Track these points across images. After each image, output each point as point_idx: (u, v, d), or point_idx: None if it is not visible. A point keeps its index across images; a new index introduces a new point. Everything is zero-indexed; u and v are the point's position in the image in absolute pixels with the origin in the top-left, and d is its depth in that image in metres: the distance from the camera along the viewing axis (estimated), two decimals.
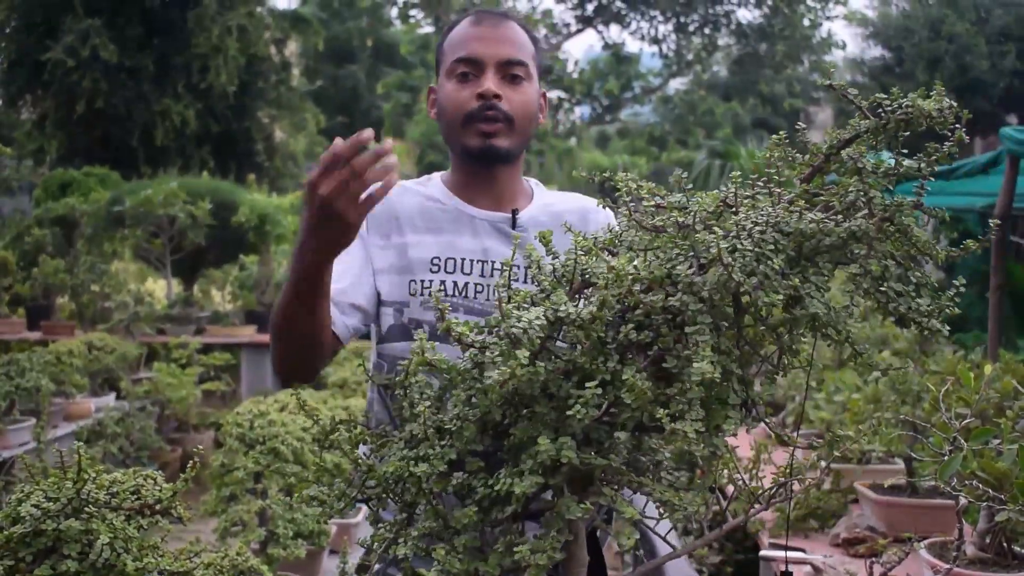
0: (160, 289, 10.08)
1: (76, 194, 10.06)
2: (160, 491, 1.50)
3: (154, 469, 1.59)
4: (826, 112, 24.45)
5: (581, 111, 26.19)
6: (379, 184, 1.42)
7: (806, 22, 24.61)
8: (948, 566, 1.93)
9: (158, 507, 1.49)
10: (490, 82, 1.84)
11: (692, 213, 1.20)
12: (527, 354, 1.12)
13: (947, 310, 1.17)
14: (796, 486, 1.42)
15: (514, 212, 1.90)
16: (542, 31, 24.92)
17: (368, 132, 1.40)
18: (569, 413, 1.13)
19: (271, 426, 3.54)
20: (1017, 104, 18.84)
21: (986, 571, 2.02)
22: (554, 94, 23.99)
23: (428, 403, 1.27)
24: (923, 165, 1.19)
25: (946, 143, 1.18)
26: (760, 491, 1.38)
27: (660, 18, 25.45)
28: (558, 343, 1.22)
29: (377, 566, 1.45)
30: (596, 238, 1.32)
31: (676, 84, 26.52)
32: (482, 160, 1.88)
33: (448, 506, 1.26)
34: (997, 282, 5.20)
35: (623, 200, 1.30)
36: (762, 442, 1.58)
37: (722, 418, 1.15)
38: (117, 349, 6.74)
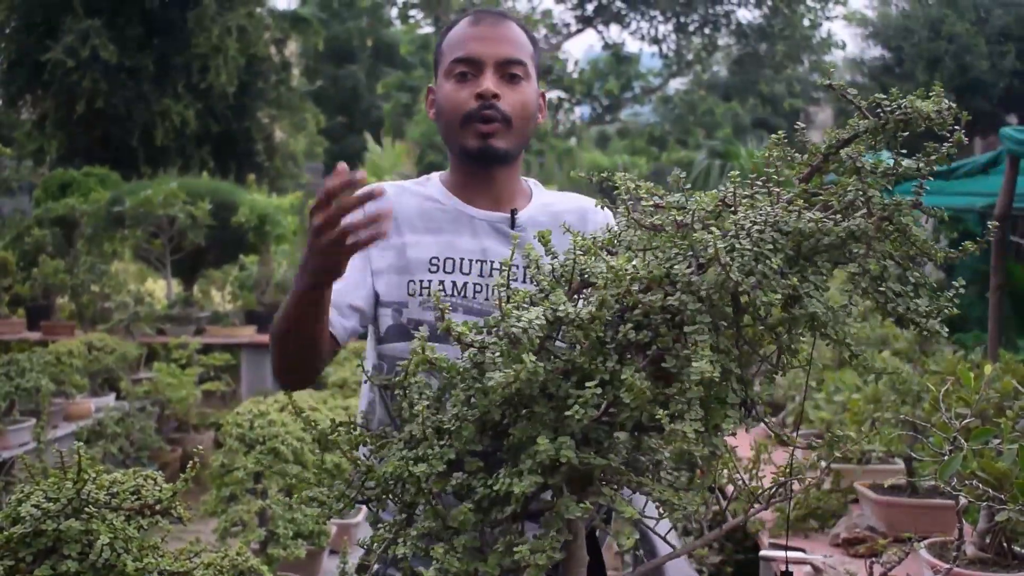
0: (160, 289, 10.08)
1: (76, 194, 10.06)
2: (160, 491, 1.50)
3: (154, 469, 1.59)
4: (826, 112, 24.46)
5: (581, 111, 26.20)
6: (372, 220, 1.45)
7: (806, 22, 24.61)
8: (948, 566, 1.93)
9: (158, 507, 1.49)
10: (489, 82, 1.84)
11: (691, 212, 1.20)
12: (534, 359, 1.12)
13: (946, 311, 1.17)
14: (796, 486, 1.42)
15: (513, 212, 1.90)
16: (542, 31, 24.93)
17: (360, 174, 1.44)
18: (568, 413, 1.13)
19: (271, 426, 3.54)
20: (1017, 104, 18.83)
21: (986, 571, 2.02)
22: (554, 94, 23.99)
23: (427, 403, 1.27)
24: (922, 165, 1.19)
25: (945, 144, 1.18)
26: (760, 491, 1.38)
27: (660, 18, 25.46)
28: (557, 343, 1.22)
29: (377, 566, 1.45)
30: (595, 238, 1.32)
31: (676, 84, 26.53)
32: (481, 160, 1.88)
33: (448, 506, 1.26)
34: (997, 282, 5.20)
35: (621, 200, 1.30)
36: (762, 442, 1.58)
37: (721, 417, 1.15)
38: (117, 349, 6.74)
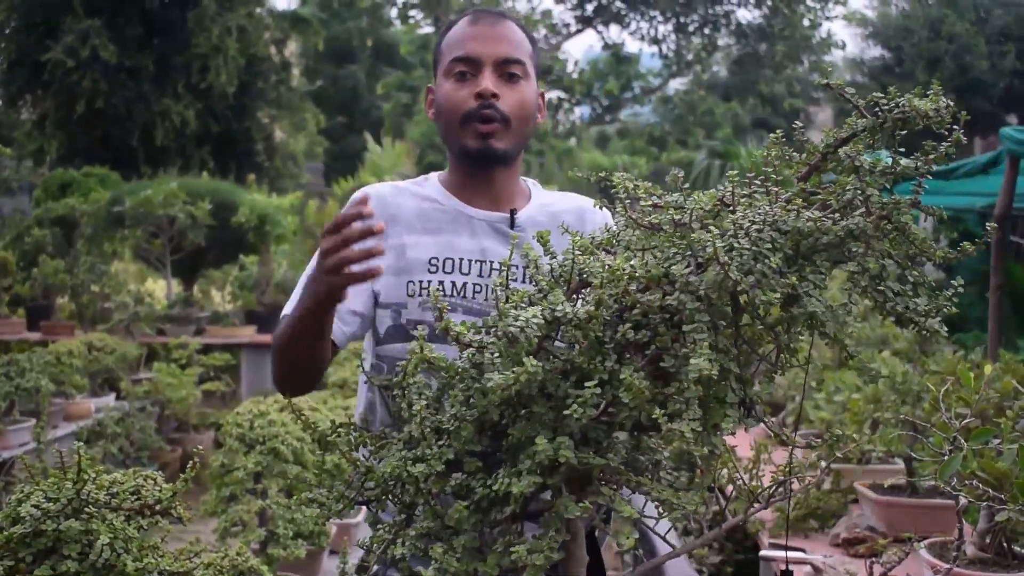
0: (160, 289, 10.08)
1: (76, 194, 10.06)
2: (160, 491, 1.50)
3: (154, 469, 1.59)
4: (826, 112, 24.46)
5: (581, 111, 26.20)
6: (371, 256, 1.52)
7: (806, 22, 24.62)
8: (948, 566, 1.93)
9: (158, 507, 1.49)
10: (488, 81, 1.84)
11: (689, 212, 1.20)
12: (535, 361, 1.12)
13: (945, 309, 1.17)
14: (795, 485, 1.42)
15: (512, 212, 1.90)
16: (542, 31, 24.93)
17: (368, 209, 1.52)
18: (567, 413, 1.13)
19: (271, 426, 3.54)
20: (1017, 104, 18.83)
21: (986, 571, 2.02)
22: (554, 94, 23.99)
23: (425, 403, 1.27)
24: (920, 164, 1.19)
25: (943, 143, 1.18)
26: (760, 490, 1.38)
27: (660, 18, 25.46)
28: (557, 343, 1.22)
29: (376, 567, 1.45)
30: (593, 237, 1.32)
31: (676, 84, 26.52)
32: (480, 160, 1.88)
33: (447, 507, 1.26)
34: (997, 282, 5.20)
35: (619, 199, 1.30)
36: (762, 442, 1.59)
37: (720, 417, 1.15)
38: (117, 349, 6.74)
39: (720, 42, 25.67)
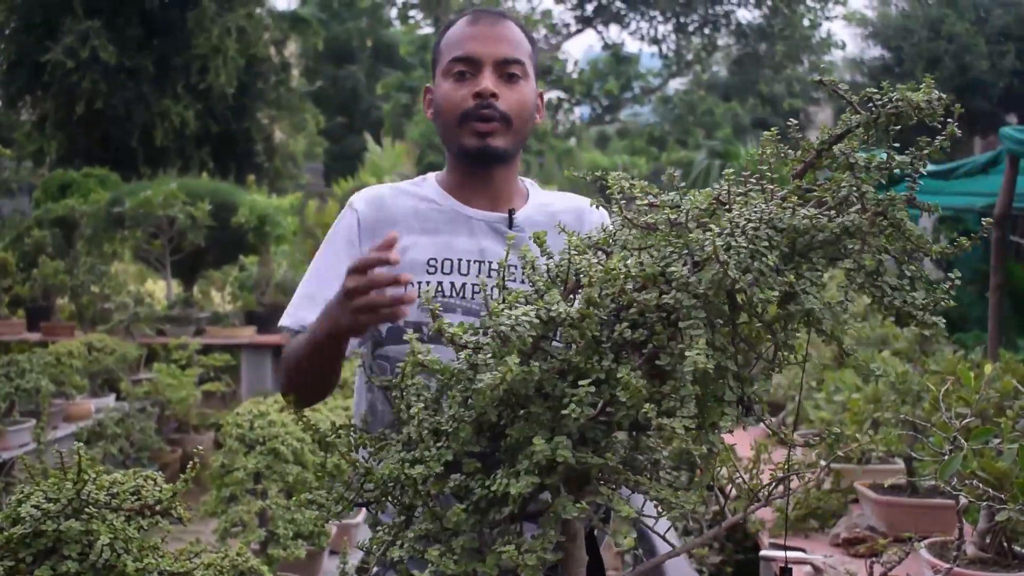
0: (160, 290, 10.08)
1: (76, 195, 10.06)
2: (160, 492, 1.50)
3: (154, 470, 1.59)
4: (826, 112, 24.45)
5: (581, 111, 26.20)
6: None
7: (806, 22, 24.62)
8: (948, 566, 1.93)
9: (158, 508, 1.49)
10: (487, 81, 1.84)
11: (685, 211, 1.20)
12: (517, 360, 1.12)
13: (942, 303, 1.17)
14: (795, 483, 1.42)
15: (510, 212, 1.90)
16: (542, 31, 24.94)
17: (395, 255, 1.56)
18: (564, 413, 1.13)
19: (271, 427, 3.54)
20: (1017, 104, 18.83)
21: (986, 571, 2.02)
22: (554, 94, 24.00)
23: (423, 405, 1.27)
24: (915, 159, 1.19)
25: (938, 137, 1.18)
26: (759, 487, 1.38)
27: (660, 18, 25.47)
28: (556, 343, 1.22)
29: (376, 569, 1.45)
30: (590, 237, 1.32)
31: (676, 84, 26.52)
32: (478, 160, 1.88)
33: (447, 508, 1.26)
34: (997, 282, 5.20)
35: (614, 199, 1.30)
36: (762, 442, 1.59)
37: (718, 415, 1.15)
38: (117, 350, 6.74)
39: (720, 42, 25.67)
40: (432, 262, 1.85)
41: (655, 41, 25.60)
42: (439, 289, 1.83)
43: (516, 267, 1.81)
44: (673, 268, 1.15)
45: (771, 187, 1.24)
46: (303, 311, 1.88)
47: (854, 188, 1.17)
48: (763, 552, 2.78)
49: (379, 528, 1.34)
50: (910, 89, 1.19)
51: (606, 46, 25.66)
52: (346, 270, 1.59)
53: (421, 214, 1.90)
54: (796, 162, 1.26)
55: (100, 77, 14.06)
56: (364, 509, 1.39)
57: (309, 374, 1.79)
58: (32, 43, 14.43)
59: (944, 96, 1.17)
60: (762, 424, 1.25)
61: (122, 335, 7.64)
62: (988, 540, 2.06)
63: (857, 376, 3.76)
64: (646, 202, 1.27)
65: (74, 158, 14.29)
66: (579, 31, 26.09)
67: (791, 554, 2.41)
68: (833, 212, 1.18)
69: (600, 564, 1.86)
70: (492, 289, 1.65)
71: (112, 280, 8.63)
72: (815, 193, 1.22)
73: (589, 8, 25.53)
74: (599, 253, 1.28)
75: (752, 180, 1.26)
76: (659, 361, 1.15)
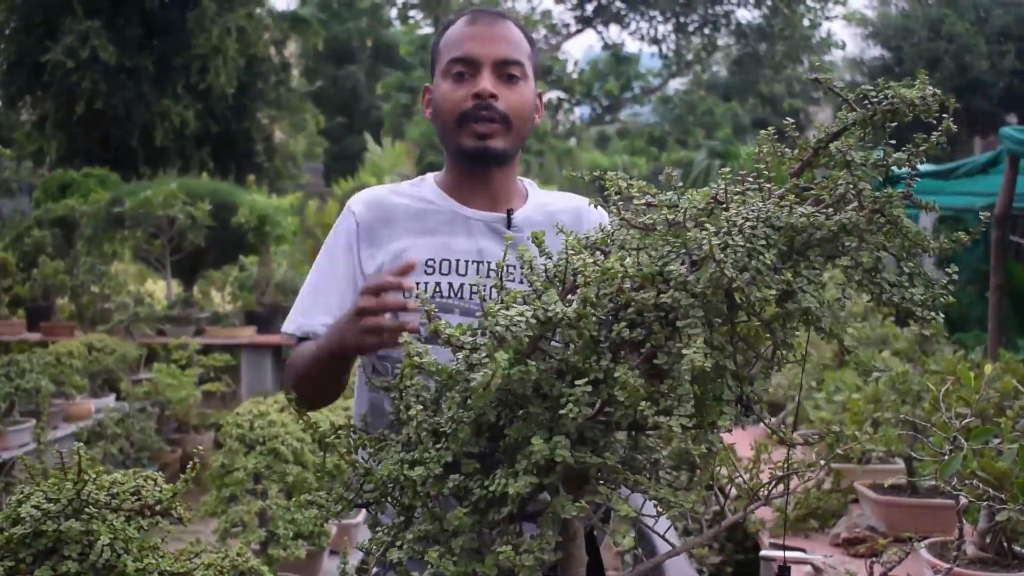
0: (160, 290, 10.08)
1: (76, 195, 10.06)
2: (160, 492, 1.50)
3: (154, 470, 1.59)
4: (826, 112, 24.45)
5: (581, 111, 26.21)
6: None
7: (806, 22, 24.63)
8: (948, 566, 1.93)
9: (158, 508, 1.49)
10: (486, 82, 1.84)
11: (682, 211, 1.20)
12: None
13: (942, 299, 1.17)
14: (795, 482, 1.42)
15: (509, 212, 1.90)
16: (541, 31, 24.94)
17: (408, 283, 1.61)
18: (562, 412, 1.13)
19: (271, 427, 3.54)
20: (1017, 104, 18.83)
21: (986, 571, 2.02)
22: (554, 94, 24.00)
23: (421, 407, 1.27)
24: (911, 156, 1.19)
25: (934, 133, 1.18)
26: (758, 486, 1.38)
27: (660, 18, 25.48)
28: (555, 343, 1.22)
29: (375, 570, 1.45)
30: (588, 237, 1.32)
31: (676, 84, 26.53)
32: (477, 161, 1.88)
33: (446, 509, 1.26)
34: (997, 282, 5.20)
35: (611, 199, 1.30)
36: (762, 442, 1.59)
37: (716, 414, 1.15)
38: (117, 350, 6.74)
39: (720, 42, 25.68)
40: (430, 263, 1.85)
41: (655, 41, 25.61)
42: (437, 290, 1.83)
43: (515, 267, 1.81)
44: (671, 267, 1.15)
45: (768, 186, 1.24)
46: (304, 317, 1.90)
47: (851, 186, 1.17)
48: (763, 552, 2.78)
49: (379, 529, 1.33)
50: (905, 86, 1.19)
51: (606, 46, 25.66)
52: (361, 288, 1.63)
53: (419, 215, 1.90)
54: (793, 161, 1.26)
55: (100, 77, 14.06)
56: (364, 510, 1.39)
57: (316, 384, 1.82)
58: (32, 43, 14.43)
59: (938, 92, 1.17)
60: (762, 424, 1.25)
61: (122, 335, 7.64)
62: (988, 540, 2.06)
63: (857, 376, 3.76)
64: (644, 202, 1.27)
65: (74, 158, 14.29)
66: (579, 31, 26.09)
67: (791, 554, 2.41)
68: (831, 210, 1.18)
69: (600, 564, 1.86)
70: (490, 289, 1.66)
71: (112, 280, 8.62)
72: (812, 191, 1.22)
73: (589, 8, 25.53)
74: (597, 253, 1.28)
75: (749, 179, 1.26)
76: (657, 360, 1.15)
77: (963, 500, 1.98)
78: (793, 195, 1.21)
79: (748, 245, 1.12)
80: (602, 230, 1.31)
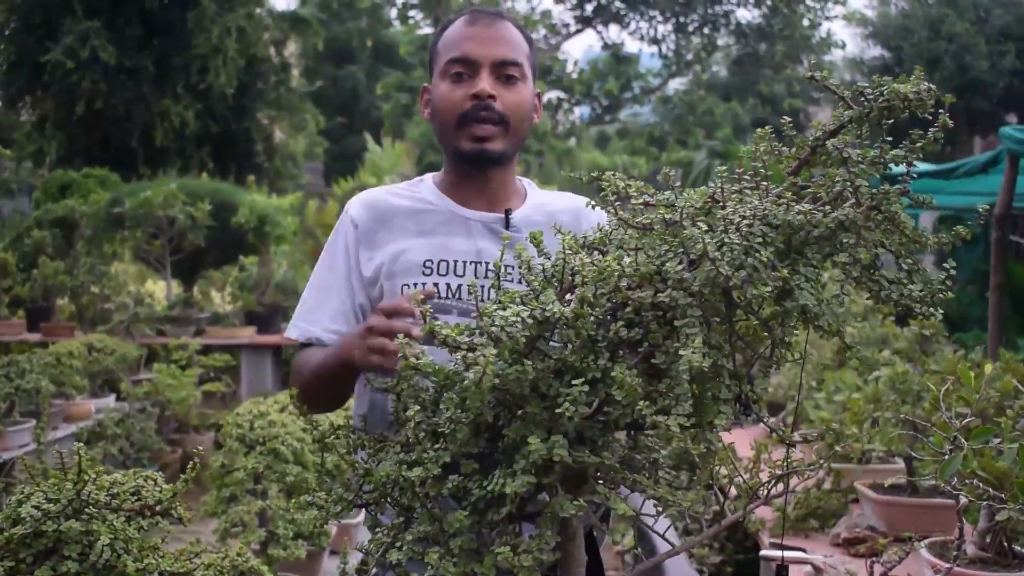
0: (160, 290, 10.08)
1: (76, 195, 10.06)
2: (160, 492, 1.50)
3: (154, 470, 1.59)
4: (826, 112, 24.44)
5: (581, 111, 26.20)
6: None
7: (805, 22, 24.62)
8: (948, 565, 1.93)
9: (158, 508, 1.49)
10: (485, 82, 1.84)
11: (679, 209, 1.20)
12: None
13: (940, 294, 1.17)
14: (794, 480, 1.42)
15: (507, 212, 1.90)
16: (541, 31, 24.93)
17: (424, 310, 1.60)
18: (558, 411, 1.13)
19: (271, 427, 3.54)
20: (1017, 104, 18.83)
21: (987, 570, 2.02)
22: (554, 94, 24.00)
23: (418, 407, 1.27)
24: (908, 152, 1.19)
25: (931, 129, 1.18)
26: (758, 485, 1.38)
27: (659, 18, 25.47)
28: (554, 343, 1.22)
29: (375, 570, 1.46)
30: (585, 237, 1.32)
31: (676, 84, 26.53)
32: (475, 163, 1.88)
33: (446, 510, 1.26)
34: (997, 282, 5.20)
35: (608, 200, 1.30)
36: (762, 442, 1.59)
37: (714, 414, 1.15)
38: (117, 350, 6.73)
39: (720, 42, 25.68)
40: (428, 263, 1.85)
41: (655, 41, 25.61)
42: (435, 290, 1.83)
43: (513, 267, 1.81)
44: (668, 266, 1.15)
45: (765, 184, 1.24)
46: (307, 322, 1.92)
47: (848, 182, 1.17)
48: (763, 552, 2.77)
49: (378, 530, 1.34)
50: (900, 81, 1.19)
51: (606, 46, 25.66)
52: (377, 307, 1.65)
53: (417, 216, 1.90)
54: (791, 159, 1.26)
55: (100, 77, 14.05)
56: (364, 510, 1.39)
57: (322, 391, 1.84)
58: (32, 43, 14.43)
59: (933, 87, 1.17)
60: (762, 423, 1.25)
61: (122, 335, 7.64)
62: (988, 540, 2.06)
63: (857, 376, 3.76)
64: (641, 201, 1.27)
65: (74, 158, 14.28)
66: (579, 31, 26.09)
67: (791, 554, 2.41)
68: (828, 207, 1.18)
69: (599, 564, 1.86)
70: (488, 290, 1.66)
71: (112, 280, 8.62)
72: (810, 189, 1.22)
73: (589, 8, 25.53)
74: (595, 253, 1.28)
75: (746, 177, 1.26)
76: (655, 360, 1.15)
77: (963, 500, 1.98)
78: (790, 193, 1.21)
79: (744, 243, 1.12)
80: (600, 230, 1.31)
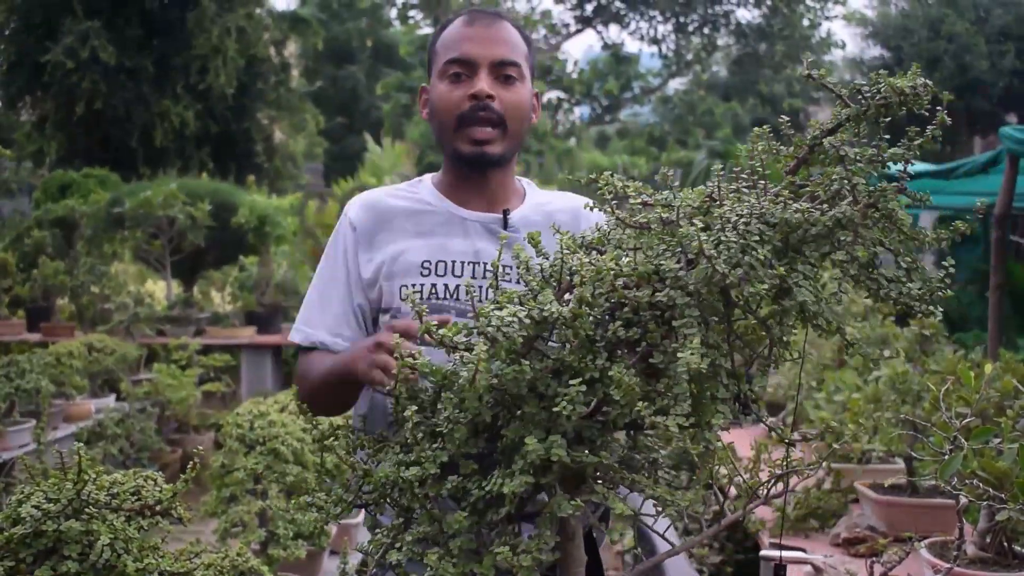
0: (160, 290, 10.08)
1: (76, 195, 10.06)
2: (160, 492, 1.50)
3: (154, 470, 1.59)
4: (826, 112, 24.39)
5: (581, 111, 26.19)
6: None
7: (805, 22, 24.62)
8: (948, 566, 1.93)
9: (158, 508, 1.49)
10: (483, 83, 1.84)
11: (676, 209, 1.20)
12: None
13: (939, 292, 1.17)
14: (794, 480, 1.42)
15: (505, 212, 1.90)
16: (541, 31, 24.93)
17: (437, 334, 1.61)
18: (556, 411, 1.13)
19: (271, 427, 3.54)
20: (1017, 104, 18.83)
21: (987, 571, 2.02)
22: (554, 94, 23.99)
23: (415, 408, 1.27)
24: (906, 150, 1.19)
25: (929, 127, 1.18)
26: (758, 485, 1.38)
27: (659, 18, 25.46)
28: (552, 343, 1.22)
29: (375, 571, 1.46)
30: (584, 237, 1.32)
31: (675, 84, 26.51)
32: (474, 164, 1.88)
33: (445, 510, 1.26)
34: (997, 282, 5.20)
35: (606, 200, 1.30)
36: (762, 441, 1.59)
37: (712, 413, 1.15)
38: (117, 350, 6.73)
39: (720, 42, 25.67)
40: (426, 264, 1.85)
41: (655, 41, 25.60)
42: (433, 291, 1.83)
43: (512, 268, 1.81)
44: (665, 265, 1.15)
45: (763, 183, 1.24)
46: (309, 327, 1.93)
47: (846, 181, 1.17)
48: (763, 552, 2.77)
49: (378, 530, 1.34)
50: (897, 78, 1.20)
51: (606, 46, 25.65)
52: (389, 326, 1.65)
53: (416, 217, 1.91)
54: (788, 158, 1.26)
55: (100, 77, 14.05)
56: (363, 510, 1.39)
57: (329, 397, 1.84)
58: (32, 43, 14.42)
59: (929, 83, 1.17)
60: (762, 423, 1.25)
61: (122, 335, 7.64)
62: (988, 540, 2.06)
63: (857, 376, 3.76)
64: (639, 201, 1.27)
65: (74, 158, 14.28)
66: (579, 31, 26.08)
67: (792, 554, 2.41)
68: (825, 206, 1.18)
69: (599, 564, 1.86)
70: (486, 290, 1.66)
71: (112, 280, 8.62)
72: (807, 188, 1.22)
73: (589, 8, 25.53)
74: (593, 253, 1.28)
75: (744, 176, 1.26)
76: (653, 359, 1.15)
77: (963, 500, 1.98)
78: (788, 191, 1.21)
79: (741, 241, 1.11)
80: (598, 230, 1.31)
